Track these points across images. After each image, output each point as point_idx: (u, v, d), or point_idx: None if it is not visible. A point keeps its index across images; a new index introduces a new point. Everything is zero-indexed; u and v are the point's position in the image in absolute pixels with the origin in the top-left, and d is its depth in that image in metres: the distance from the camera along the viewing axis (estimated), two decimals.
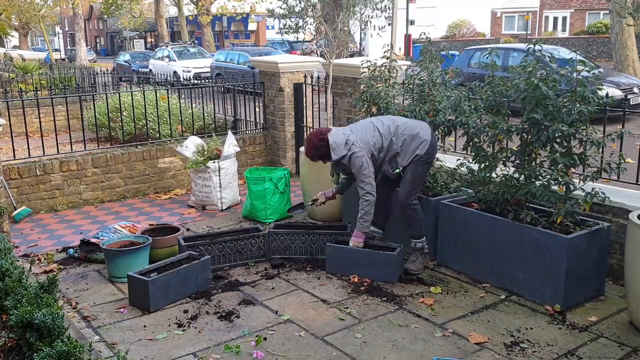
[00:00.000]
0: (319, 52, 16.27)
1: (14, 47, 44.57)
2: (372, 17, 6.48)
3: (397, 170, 4.70)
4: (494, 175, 4.64)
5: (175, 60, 24.85)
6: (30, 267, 3.86)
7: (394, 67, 5.73)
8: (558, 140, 4.22)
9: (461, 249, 4.69)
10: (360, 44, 34.94)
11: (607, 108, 4.64)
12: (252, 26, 46.92)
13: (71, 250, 5.31)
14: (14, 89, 11.65)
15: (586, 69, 4.28)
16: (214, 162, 6.59)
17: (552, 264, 4.13)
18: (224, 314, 4.19)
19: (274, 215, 6.07)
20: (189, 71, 22.14)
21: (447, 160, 5.65)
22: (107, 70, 14.57)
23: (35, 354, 2.60)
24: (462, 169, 4.95)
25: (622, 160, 4.23)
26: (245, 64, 20.24)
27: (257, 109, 8.51)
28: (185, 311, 4.23)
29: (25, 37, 38.38)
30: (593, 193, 4.18)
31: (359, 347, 3.74)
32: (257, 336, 3.84)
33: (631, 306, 3.98)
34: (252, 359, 3.61)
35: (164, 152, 7.36)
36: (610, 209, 4.59)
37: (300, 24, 6.42)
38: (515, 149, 4.51)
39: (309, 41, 22.09)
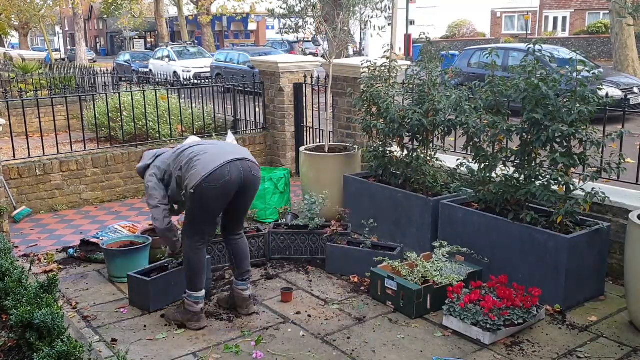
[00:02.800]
0: (318, 52, 16.27)
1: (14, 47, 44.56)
2: (372, 17, 6.48)
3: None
4: (494, 175, 4.64)
5: (175, 60, 24.84)
6: (30, 267, 3.86)
7: (394, 67, 5.73)
8: (558, 140, 4.22)
9: (461, 247, 4.68)
10: (360, 44, 34.93)
11: (607, 108, 4.64)
12: (252, 26, 46.92)
13: (71, 250, 5.31)
14: (14, 89, 11.65)
15: (586, 69, 4.28)
16: None
17: (552, 264, 4.13)
18: (223, 314, 4.19)
19: (274, 215, 6.07)
20: (189, 71, 22.14)
21: (447, 160, 5.65)
22: (107, 70, 14.57)
23: (35, 354, 2.60)
24: (462, 169, 4.95)
25: (622, 160, 4.23)
26: (245, 64, 20.24)
27: (257, 109, 8.51)
28: None
29: (25, 37, 38.37)
30: (593, 193, 4.18)
31: (359, 347, 3.74)
32: (257, 336, 3.84)
33: (631, 306, 3.98)
34: (251, 359, 3.61)
35: None
36: (610, 209, 4.59)
37: (300, 24, 6.41)
38: (515, 149, 4.51)
39: (308, 41, 22.09)
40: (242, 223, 4.27)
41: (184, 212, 4.10)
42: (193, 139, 6.80)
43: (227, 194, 3.85)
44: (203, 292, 4.03)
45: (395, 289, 4.16)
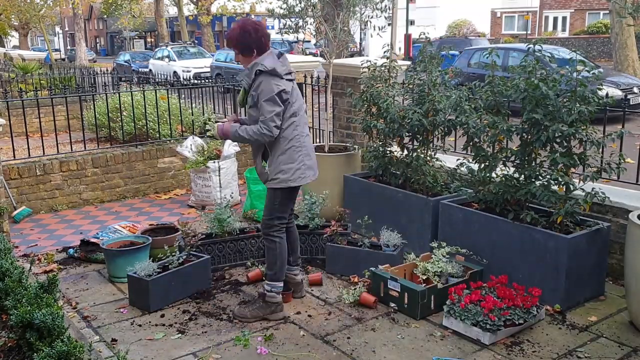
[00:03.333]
0: (318, 52, 16.27)
1: (14, 47, 44.57)
2: (372, 17, 6.48)
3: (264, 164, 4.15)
4: (494, 175, 4.64)
5: (175, 60, 24.85)
6: (30, 267, 3.86)
7: (394, 67, 5.73)
8: (558, 140, 4.22)
9: (461, 248, 4.68)
10: (360, 44, 34.94)
11: (607, 108, 4.64)
12: None
13: (71, 250, 5.31)
14: (14, 89, 11.65)
15: (586, 69, 4.28)
16: (214, 162, 6.59)
17: (552, 264, 4.13)
18: (223, 314, 4.19)
19: None
20: (189, 71, 22.14)
21: (447, 160, 5.65)
22: (106, 70, 14.57)
23: (35, 354, 2.60)
24: (462, 169, 4.95)
25: (622, 160, 4.23)
26: None
27: None
28: (185, 311, 4.23)
29: (25, 37, 38.38)
30: (593, 193, 4.18)
31: (359, 347, 3.74)
32: (266, 334, 3.86)
33: (631, 306, 3.98)
34: (256, 355, 3.61)
35: (164, 152, 7.36)
36: (610, 209, 4.59)
37: (300, 24, 6.41)
38: (515, 149, 4.51)
39: (308, 41, 22.09)
40: (292, 213, 4.38)
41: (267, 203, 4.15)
42: (194, 139, 6.82)
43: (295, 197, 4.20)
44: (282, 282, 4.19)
45: (399, 290, 4.16)
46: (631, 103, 11.42)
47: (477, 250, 4.55)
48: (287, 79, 3.93)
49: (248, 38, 3.91)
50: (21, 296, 3.04)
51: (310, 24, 6.53)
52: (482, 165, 4.67)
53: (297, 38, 6.61)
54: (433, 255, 4.43)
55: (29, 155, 6.89)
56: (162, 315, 4.18)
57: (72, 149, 7.11)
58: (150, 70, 24.96)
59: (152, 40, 56.27)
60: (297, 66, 7.88)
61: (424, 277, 4.26)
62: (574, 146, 4.29)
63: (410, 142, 5.55)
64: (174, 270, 4.35)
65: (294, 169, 3.98)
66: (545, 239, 4.16)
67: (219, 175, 6.57)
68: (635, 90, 13.02)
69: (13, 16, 34.13)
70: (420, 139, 5.31)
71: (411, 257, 4.44)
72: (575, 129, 4.14)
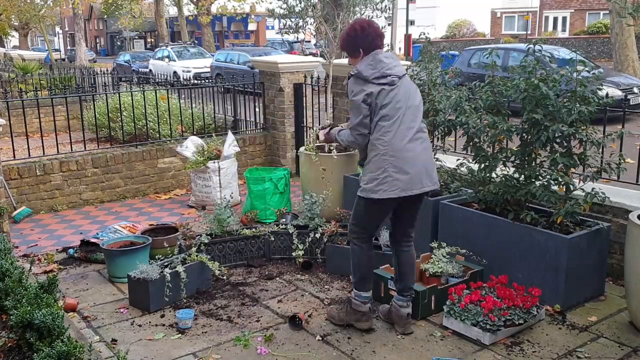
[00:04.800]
0: (318, 52, 16.27)
1: (14, 47, 44.58)
2: (372, 18, 6.48)
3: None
4: (494, 175, 4.64)
5: (175, 61, 24.85)
6: (30, 267, 3.86)
7: None
8: (558, 140, 4.22)
9: (461, 249, 4.68)
10: None
11: (607, 108, 4.64)
12: (252, 26, 46.94)
13: (71, 250, 5.31)
14: (14, 89, 11.65)
15: (586, 69, 4.28)
16: (214, 162, 6.59)
17: (552, 264, 4.13)
18: (224, 314, 4.19)
19: (274, 216, 6.07)
20: (189, 71, 22.14)
21: (447, 160, 5.65)
22: (106, 70, 14.57)
23: (35, 354, 2.60)
24: (462, 169, 4.95)
25: (622, 160, 4.23)
26: (245, 64, 20.24)
27: (257, 109, 8.51)
28: None
29: (25, 37, 38.39)
30: (593, 193, 4.18)
31: (359, 347, 3.74)
32: (266, 334, 3.86)
33: (631, 306, 3.98)
34: (256, 355, 3.61)
35: (163, 152, 7.36)
36: (610, 209, 4.59)
37: (300, 24, 6.42)
38: (515, 149, 4.51)
39: (308, 41, 22.07)
40: (407, 234, 3.91)
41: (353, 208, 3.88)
42: (193, 140, 6.82)
43: (389, 211, 3.76)
44: (370, 293, 3.93)
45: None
46: (631, 103, 11.42)
47: (477, 251, 4.56)
48: (377, 83, 3.56)
49: (353, 37, 3.66)
50: (21, 296, 3.04)
51: (310, 24, 6.54)
52: (482, 165, 4.66)
53: (297, 38, 6.62)
54: (433, 256, 4.43)
55: (29, 155, 6.89)
56: (162, 316, 4.18)
57: (72, 149, 7.10)
58: (150, 70, 24.97)
59: (152, 40, 56.27)
60: (297, 66, 7.90)
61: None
62: (574, 146, 4.29)
63: None
64: (174, 270, 4.34)
65: (376, 180, 3.57)
66: (545, 239, 4.16)
67: (219, 176, 6.57)
68: (635, 90, 13.02)
69: (13, 16, 34.13)
70: None
71: None
72: (576, 129, 4.14)
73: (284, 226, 5.18)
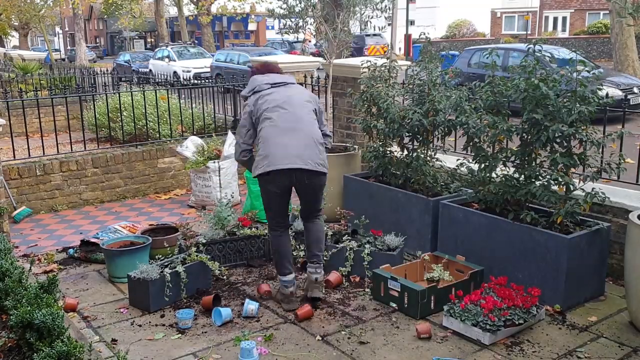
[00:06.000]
0: (318, 52, 16.24)
1: (14, 47, 44.57)
2: (372, 18, 6.48)
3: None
4: (494, 175, 4.64)
5: (175, 61, 24.84)
6: (30, 267, 3.86)
7: (394, 67, 5.73)
8: (558, 140, 4.22)
9: (461, 248, 4.69)
10: None
11: (607, 108, 4.64)
12: (252, 26, 46.92)
13: (71, 250, 5.31)
14: (14, 89, 11.65)
15: (586, 69, 4.28)
16: (214, 162, 6.59)
17: (552, 264, 4.13)
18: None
19: None
20: (189, 71, 22.12)
21: (447, 160, 5.65)
22: (106, 70, 14.57)
23: (35, 354, 2.60)
24: (462, 169, 4.95)
25: (622, 160, 4.23)
26: (245, 64, 20.23)
27: None
28: None
29: (25, 37, 38.36)
30: (593, 193, 4.18)
31: (359, 347, 3.74)
32: (266, 334, 3.86)
33: (631, 306, 3.98)
34: (257, 354, 3.61)
35: (164, 152, 7.36)
36: (610, 209, 4.59)
37: (300, 24, 6.42)
38: (515, 149, 4.51)
39: (309, 41, 22.06)
40: (310, 213, 4.37)
41: None
42: (193, 140, 6.82)
43: (281, 193, 4.17)
44: (289, 276, 4.26)
45: (399, 290, 4.16)
46: (631, 103, 11.41)
47: (477, 250, 4.56)
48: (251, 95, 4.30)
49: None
50: (21, 296, 3.04)
51: (310, 24, 6.54)
52: (482, 165, 4.66)
53: (298, 38, 6.62)
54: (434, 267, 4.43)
55: (29, 155, 6.89)
56: (162, 316, 4.18)
57: (72, 149, 7.11)
58: (150, 70, 24.96)
59: (152, 40, 56.25)
60: (297, 66, 7.90)
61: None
62: (574, 146, 4.29)
63: (410, 142, 5.55)
64: (174, 270, 4.34)
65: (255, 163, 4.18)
66: (545, 239, 4.16)
67: (219, 176, 6.57)
68: (635, 90, 13.02)
69: (13, 16, 34.11)
70: (420, 139, 5.32)
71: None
72: (576, 129, 4.14)
73: None
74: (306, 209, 4.38)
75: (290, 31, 6.51)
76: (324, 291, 4.35)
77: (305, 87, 7.77)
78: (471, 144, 4.73)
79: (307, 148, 4.09)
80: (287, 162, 4.02)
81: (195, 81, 14.81)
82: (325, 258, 4.91)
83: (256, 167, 4.11)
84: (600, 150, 4.28)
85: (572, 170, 4.33)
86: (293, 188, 4.21)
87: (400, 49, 32.11)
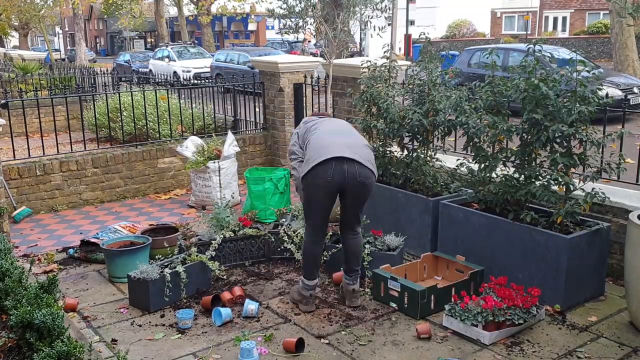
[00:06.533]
0: (318, 52, 16.26)
1: (14, 47, 44.55)
2: (372, 18, 6.48)
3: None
4: (494, 175, 4.64)
5: (175, 61, 24.83)
6: (30, 267, 3.86)
7: (394, 67, 5.73)
8: (558, 140, 4.22)
9: (461, 248, 4.69)
10: (360, 44, 34.93)
11: (607, 108, 4.64)
12: (252, 26, 46.92)
13: (71, 250, 5.31)
14: (14, 89, 11.65)
15: (586, 69, 4.28)
16: (214, 162, 6.59)
17: (552, 264, 4.13)
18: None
19: (274, 216, 6.07)
20: (189, 71, 22.12)
21: (447, 160, 5.65)
22: (106, 70, 14.57)
23: (35, 354, 2.60)
24: (462, 169, 4.95)
25: (622, 160, 4.24)
26: (245, 64, 20.24)
27: (257, 109, 8.51)
28: None
29: (25, 37, 38.35)
30: (593, 193, 4.18)
31: (359, 347, 3.74)
32: (266, 334, 3.86)
33: (631, 306, 3.98)
34: (257, 354, 3.61)
35: (164, 152, 7.36)
36: (610, 209, 4.59)
37: (300, 24, 6.42)
38: (515, 149, 4.51)
39: (309, 41, 22.05)
40: (352, 223, 4.28)
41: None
42: (193, 140, 6.81)
43: (328, 192, 4.04)
44: (314, 281, 4.24)
45: (399, 290, 4.16)
46: (631, 103, 11.42)
47: (477, 250, 4.56)
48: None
49: None
50: (21, 296, 3.04)
51: (310, 24, 6.54)
52: (482, 165, 4.66)
53: (298, 38, 6.62)
54: None
55: (29, 155, 6.89)
56: (162, 316, 4.18)
57: (72, 149, 7.10)
58: (150, 70, 24.96)
59: (152, 40, 56.23)
60: (297, 66, 7.90)
61: None
62: (574, 146, 4.29)
63: (410, 143, 5.55)
64: (174, 270, 4.34)
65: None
66: (545, 239, 4.16)
67: (219, 176, 6.57)
68: (635, 90, 13.02)
69: (13, 16, 34.10)
70: (420, 139, 5.31)
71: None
72: (576, 129, 4.14)
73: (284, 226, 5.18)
74: (349, 215, 4.23)
75: (290, 31, 6.52)
76: (359, 302, 4.33)
77: (305, 87, 7.78)
78: (471, 144, 4.73)
79: (356, 145, 4.09)
80: (336, 151, 3.95)
81: (195, 81, 14.82)
82: (325, 258, 4.92)
83: (303, 168, 4.07)
84: (600, 150, 4.28)
85: (572, 170, 4.33)
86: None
87: (400, 49, 32.09)
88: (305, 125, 4.35)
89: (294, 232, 5.06)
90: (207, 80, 16.25)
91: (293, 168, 4.34)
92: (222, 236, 4.91)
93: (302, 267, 4.31)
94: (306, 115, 7.82)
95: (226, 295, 4.33)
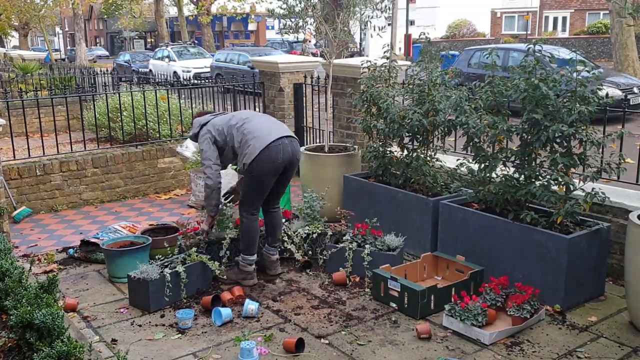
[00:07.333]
0: (319, 52, 16.26)
1: (14, 47, 44.55)
2: (372, 18, 6.47)
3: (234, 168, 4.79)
4: (494, 175, 4.64)
5: (175, 61, 24.84)
6: (30, 267, 3.86)
7: (394, 67, 5.73)
8: (558, 140, 4.22)
9: (461, 248, 4.69)
10: (360, 44, 34.95)
11: (607, 108, 4.64)
12: (252, 26, 46.93)
13: (71, 250, 5.31)
14: (14, 89, 11.65)
15: (586, 69, 4.28)
16: None
17: (552, 264, 4.13)
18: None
19: None
20: (189, 71, 22.11)
21: (447, 160, 5.65)
22: (106, 70, 14.57)
23: (35, 354, 2.60)
24: (462, 169, 4.95)
25: (622, 160, 4.23)
26: (245, 64, 20.24)
27: (257, 109, 8.51)
28: None
29: (25, 37, 38.33)
30: (593, 193, 4.18)
31: (359, 347, 3.74)
32: (266, 334, 3.85)
33: (631, 306, 3.98)
34: (257, 354, 3.61)
35: (164, 152, 7.36)
36: (610, 209, 4.59)
37: (300, 24, 6.41)
38: (515, 149, 4.51)
39: (308, 40, 22.04)
40: (279, 198, 4.79)
41: (240, 188, 4.74)
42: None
43: (277, 171, 4.44)
44: (255, 256, 4.65)
45: (399, 290, 4.16)
46: (631, 103, 11.42)
47: (477, 250, 4.56)
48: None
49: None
50: (21, 296, 3.05)
51: (310, 24, 6.53)
52: (482, 165, 4.66)
53: (298, 38, 6.61)
54: None
55: (29, 155, 6.89)
56: (162, 316, 4.18)
57: (72, 149, 7.11)
58: (150, 70, 24.96)
59: (152, 40, 56.24)
60: (297, 66, 7.90)
61: None
62: (574, 146, 4.29)
63: (410, 142, 5.55)
64: (174, 270, 4.34)
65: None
66: (545, 239, 4.16)
67: None
68: (635, 90, 13.02)
69: (13, 16, 34.08)
70: (420, 139, 5.32)
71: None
72: (576, 129, 4.14)
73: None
74: (280, 191, 4.72)
75: (290, 31, 6.50)
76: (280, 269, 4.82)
77: (305, 87, 7.77)
78: (471, 144, 4.73)
79: (283, 126, 4.63)
80: (279, 132, 4.44)
81: (195, 81, 14.82)
82: (324, 258, 4.92)
83: (247, 155, 4.35)
84: (600, 150, 4.28)
85: (572, 170, 4.33)
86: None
87: (400, 49, 32.08)
88: (214, 127, 4.54)
89: (294, 232, 5.06)
90: (207, 80, 16.26)
91: (208, 177, 4.50)
92: (230, 236, 4.91)
93: (245, 245, 4.62)
94: (305, 116, 7.83)
95: (226, 295, 4.33)
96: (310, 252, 5.08)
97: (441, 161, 5.47)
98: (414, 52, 28.25)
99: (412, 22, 33.00)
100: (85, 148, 7.35)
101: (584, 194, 4.20)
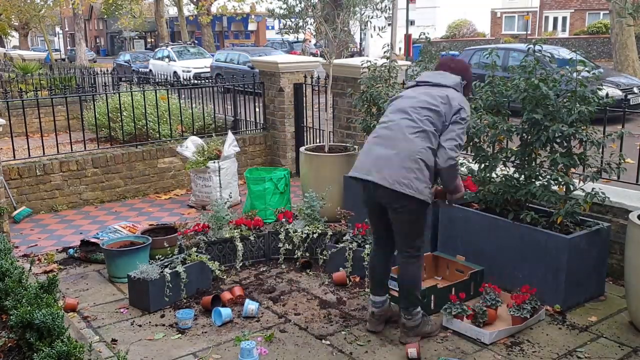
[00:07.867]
0: (319, 52, 16.26)
1: (14, 47, 44.55)
2: (372, 18, 6.47)
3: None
4: (494, 175, 4.64)
5: (175, 61, 24.83)
6: (30, 267, 3.86)
7: (394, 67, 5.72)
8: (558, 140, 4.22)
9: (461, 248, 4.69)
10: (360, 44, 34.93)
11: (607, 108, 4.64)
12: (252, 26, 46.94)
13: (71, 250, 5.31)
14: (14, 89, 11.65)
15: (586, 69, 4.28)
16: (214, 162, 6.59)
17: (552, 264, 4.13)
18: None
19: (273, 216, 6.06)
20: (189, 71, 22.11)
21: None
22: (107, 70, 14.57)
23: (35, 354, 2.60)
24: (462, 169, 4.95)
25: (622, 160, 4.24)
26: (245, 64, 20.24)
27: (257, 109, 8.51)
28: None
29: (25, 37, 38.35)
30: (593, 193, 4.18)
31: (359, 347, 3.74)
32: (266, 334, 3.86)
33: (631, 306, 3.98)
34: (257, 354, 3.61)
35: (164, 152, 7.36)
36: (610, 209, 4.59)
37: (300, 24, 6.41)
38: (515, 149, 4.51)
39: (308, 40, 22.03)
40: (399, 242, 3.74)
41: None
42: (194, 140, 6.81)
43: (365, 201, 3.76)
44: (373, 297, 3.88)
45: (398, 290, 4.15)
46: (631, 103, 11.41)
47: (477, 251, 4.56)
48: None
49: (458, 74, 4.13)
50: (21, 296, 3.04)
51: (310, 24, 6.53)
52: (482, 165, 4.66)
53: (298, 38, 6.61)
54: None
55: (29, 155, 6.88)
56: (162, 316, 4.18)
57: (72, 149, 7.10)
58: (150, 70, 24.95)
59: (152, 40, 56.21)
60: (297, 66, 7.90)
61: None
62: (574, 146, 4.29)
63: None
64: (174, 270, 4.34)
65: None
66: (545, 239, 4.16)
67: (219, 176, 6.57)
68: (635, 90, 13.02)
69: (13, 16, 34.10)
70: None
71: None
72: (576, 129, 4.14)
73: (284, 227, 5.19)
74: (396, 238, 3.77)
75: (290, 31, 6.50)
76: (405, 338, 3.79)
77: (305, 87, 7.77)
78: (471, 144, 4.73)
79: (390, 160, 3.50)
80: (362, 171, 3.60)
81: (195, 81, 14.81)
82: (324, 258, 4.92)
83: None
84: (600, 150, 4.28)
85: (572, 170, 4.33)
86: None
87: (400, 49, 32.07)
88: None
89: (294, 232, 5.06)
90: (207, 80, 16.25)
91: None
92: (238, 235, 4.92)
93: (415, 296, 3.76)
94: (305, 116, 7.84)
95: (226, 295, 4.33)
96: (309, 252, 5.08)
97: None
98: (414, 52, 28.22)
99: (412, 22, 33.00)
100: (85, 148, 7.34)
101: (584, 194, 4.20)
